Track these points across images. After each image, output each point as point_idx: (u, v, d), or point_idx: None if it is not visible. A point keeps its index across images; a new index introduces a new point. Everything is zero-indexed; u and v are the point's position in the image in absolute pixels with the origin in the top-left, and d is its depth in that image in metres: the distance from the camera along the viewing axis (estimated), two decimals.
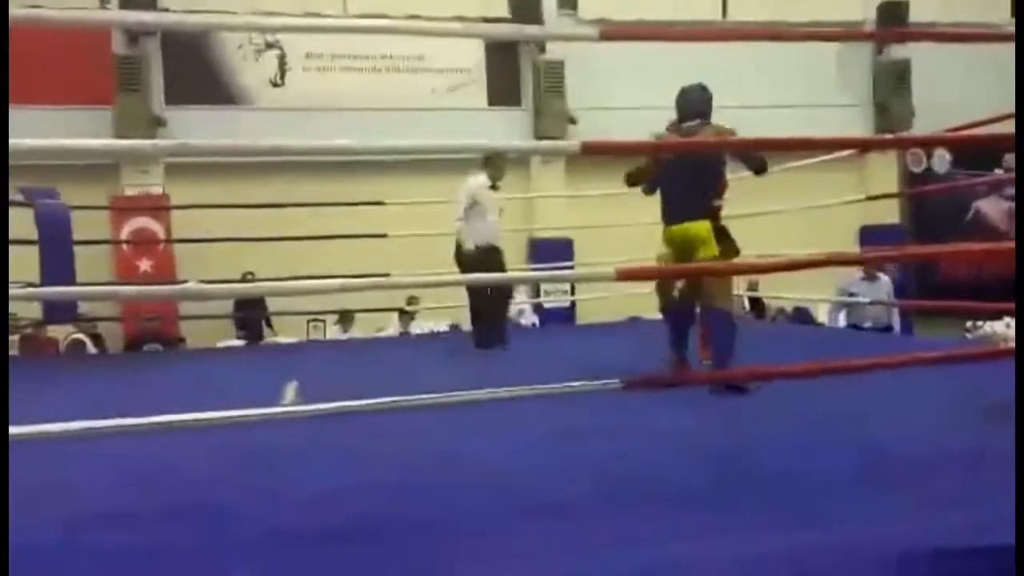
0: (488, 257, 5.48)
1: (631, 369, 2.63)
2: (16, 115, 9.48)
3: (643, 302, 8.75)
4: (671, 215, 3.89)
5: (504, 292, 5.80)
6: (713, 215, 3.91)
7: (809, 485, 2.21)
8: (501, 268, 5.59)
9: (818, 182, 7.81)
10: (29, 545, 1.87)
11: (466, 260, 5.44)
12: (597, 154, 2.55)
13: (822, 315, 9.80)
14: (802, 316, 9.81)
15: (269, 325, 9.28)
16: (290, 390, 4.09)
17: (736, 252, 4.24)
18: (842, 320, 7.44)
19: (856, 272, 6.91)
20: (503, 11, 10.61)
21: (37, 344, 8.04)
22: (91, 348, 8.23)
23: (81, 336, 8.23)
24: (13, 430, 1.87)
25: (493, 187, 5.68)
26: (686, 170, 3.81)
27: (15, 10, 2.32)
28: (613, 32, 2.50)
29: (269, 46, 10.03)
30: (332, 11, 10.07)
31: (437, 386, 2.41)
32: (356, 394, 2.23)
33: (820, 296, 7.86)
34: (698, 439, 2.87)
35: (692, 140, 3.87)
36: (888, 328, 6.89)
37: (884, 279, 6.98)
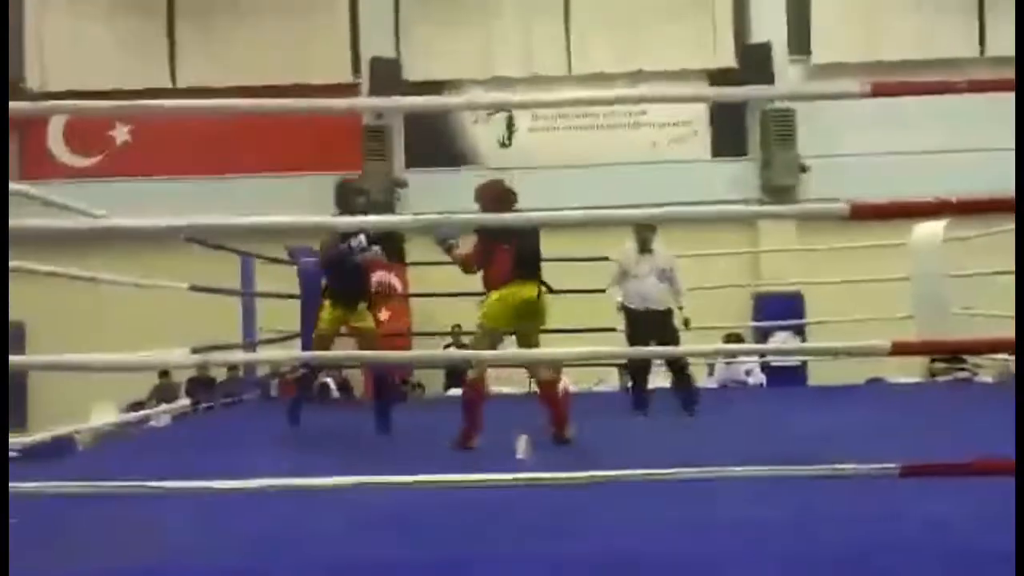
0: None
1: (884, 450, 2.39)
2: (278, 182, 10.58)
3: (884, 363, 8.04)
4: None
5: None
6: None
7: None
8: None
9: None
10: None
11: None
12: (867, 219, 2.29)
13: None
14: None
15: None
16: (522, 443, 4.15)
17: (372, 334, 5.01)
18: None
19: None
20: (730, 58, 10.42)
21: (291, 386, 8.89)
22: (335, 393, 8.96)
23: (328, 381, 8.99)
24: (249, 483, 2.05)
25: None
26: None
27: (282, 101, 2.64)
28: (884, 88, 2.26)
29: (498, 109, 10.58)
30: (557, 71, 10.45)
31: (662, 454, 2.34)
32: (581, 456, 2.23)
33: None
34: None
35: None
36: None
37: None
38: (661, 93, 2.88)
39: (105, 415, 6.68)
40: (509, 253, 4.31)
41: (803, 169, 10.04)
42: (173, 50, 10.86)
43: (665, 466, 2.39)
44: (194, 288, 6.08)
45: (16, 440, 4.72)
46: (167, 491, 2.32)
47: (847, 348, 2.97)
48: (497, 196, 4.40)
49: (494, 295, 4.35)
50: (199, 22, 10.84)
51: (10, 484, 2.50)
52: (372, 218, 4.66)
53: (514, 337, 4.51)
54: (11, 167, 10.58)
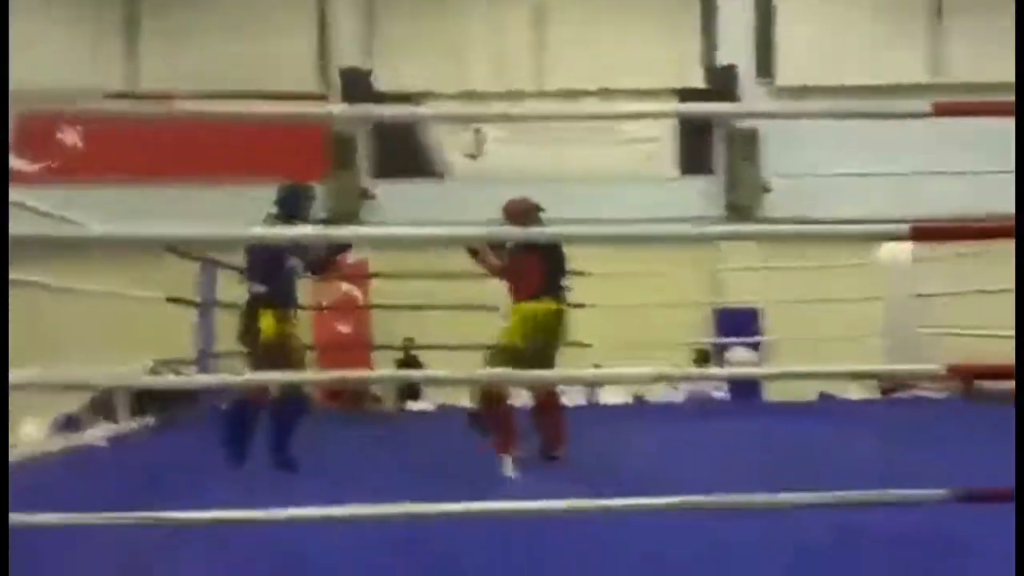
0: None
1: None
2: (237, 191, 10.25)
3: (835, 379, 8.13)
4: None
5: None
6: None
7: None
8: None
9: None
10: None
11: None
12: (928, 240, 2.23)
13: None
14: None
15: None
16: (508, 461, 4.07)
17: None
18: None
19: None
20: (698, 79, 10.56)
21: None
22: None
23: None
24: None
25: None
26: None
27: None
28: (947, 107, 2.10)
29: (467, 122, 10.51)
30: (530, 86, 10.45)
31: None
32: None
33: None
34: None
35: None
36: None
37: None
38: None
39: (32, 433, 6.03)
40: (540, 267, 4.35)
41: (766, 189, 10.19)
42: (134, 52, 10.61)
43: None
44: (170, 300, 5.84)
45: None
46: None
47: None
48: (523, 211, 4.46)
49: (523, 307, 4.35)
50: (161, 23, 10.61)
51: None
52: (364, 230, 4.53)
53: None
54: None
